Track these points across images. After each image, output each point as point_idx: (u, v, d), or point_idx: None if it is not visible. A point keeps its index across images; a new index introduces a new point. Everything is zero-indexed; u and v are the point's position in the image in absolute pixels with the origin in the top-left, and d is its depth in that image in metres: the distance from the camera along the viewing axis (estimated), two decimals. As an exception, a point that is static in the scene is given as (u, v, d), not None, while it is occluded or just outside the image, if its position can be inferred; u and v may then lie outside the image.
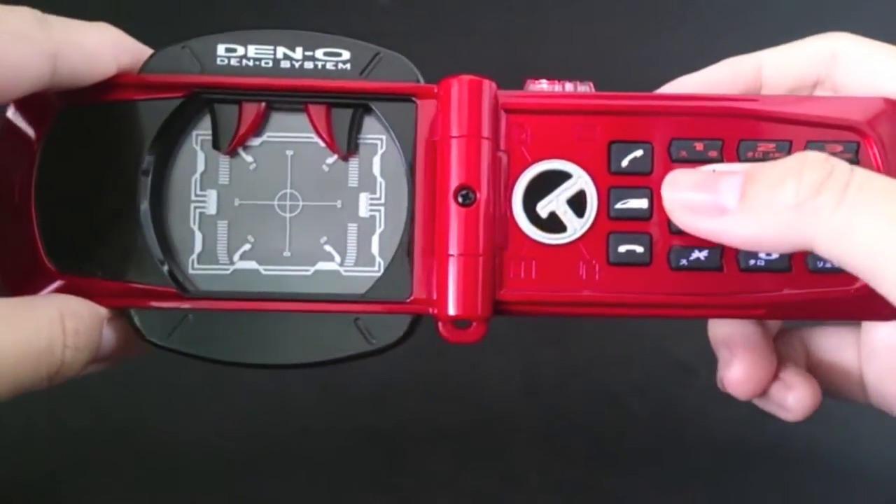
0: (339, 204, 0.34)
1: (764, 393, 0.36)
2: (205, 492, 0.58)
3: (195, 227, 0.34)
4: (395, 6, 0.66)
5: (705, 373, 0.59)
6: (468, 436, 0.60)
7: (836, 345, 0.38)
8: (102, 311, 0.32)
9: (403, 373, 0.60)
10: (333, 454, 0.60)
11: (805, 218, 0.28)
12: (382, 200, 0.34)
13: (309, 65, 0.34)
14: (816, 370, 0.37)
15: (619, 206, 0.34)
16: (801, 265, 0.33)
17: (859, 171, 0.28)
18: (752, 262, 0.33)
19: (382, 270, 0.34)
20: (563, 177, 0.34)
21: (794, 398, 0.36)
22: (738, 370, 0.36)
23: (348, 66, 0.34)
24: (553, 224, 0.34)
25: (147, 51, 0.34)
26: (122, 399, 0.58)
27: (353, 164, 0.34)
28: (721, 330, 0.37)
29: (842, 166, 0.29)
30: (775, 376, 0.36)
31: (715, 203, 0.30)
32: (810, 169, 0.29)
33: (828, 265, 0.33)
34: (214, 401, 0.59)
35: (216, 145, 0.34)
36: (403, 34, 0.64)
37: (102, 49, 0.32)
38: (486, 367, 0.61)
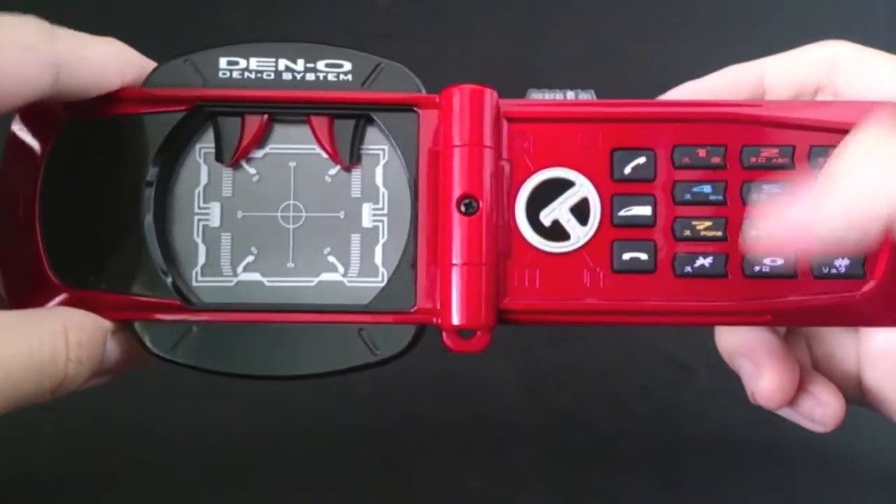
0: (342, 215, 0.34)
1: (793, 403, 0.36)
2: (205, 492, 0.59)
3: (199, 240, 0.34)
4: (395, 6, 0.66)
5: (705, 373, 0.60)
6: (468, 436, 0.61)
7: (835, 345, 0.38)
8: (106, 325, 0.32)
9: (403, 373, 0.60)
10: (333, 454, 0.60)
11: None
12: (385, 211, 0.34)
13: (311, 76, 0.33)
14: (816, 368, 0.38)
15: (622, 213, 0.34)
16: (806, 271, 0.33)
17: None
18: (756, 268, 0.33)
19: (386, 281, 0.34)
20: (565, 185, 0.34)
21: (825, 413, 0.36)
22: (769, 381, 0.35)
23: (350, 77, 0.34)
24: (556, 232, 0.34)
25: (152, 64, 0.34)
26: (121, 399, 0.58)
27: (356, 174, 0.34)
28: (737, 341, 0.37)
29: None
30: (805, 389, 0.36)
31: (806, 202, 0.28)
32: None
33: (833, 270, 0.33)
34: (214, 400, 0.59)
35: (219, 158, 0.34)
36: (403, 34, 0.64)
37: (108, 63, 0.32)
38: (486, 368, 0.61)
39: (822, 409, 0.36)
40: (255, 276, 0.34)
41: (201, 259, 0.34)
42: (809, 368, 0.37)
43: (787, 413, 0.37)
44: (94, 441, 0.59)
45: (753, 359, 0.36)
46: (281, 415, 0.60)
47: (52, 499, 0.58)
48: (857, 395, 0.37)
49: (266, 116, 0.34)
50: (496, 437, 0.61)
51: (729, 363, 0.37)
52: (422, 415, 0.61)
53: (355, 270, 0.34)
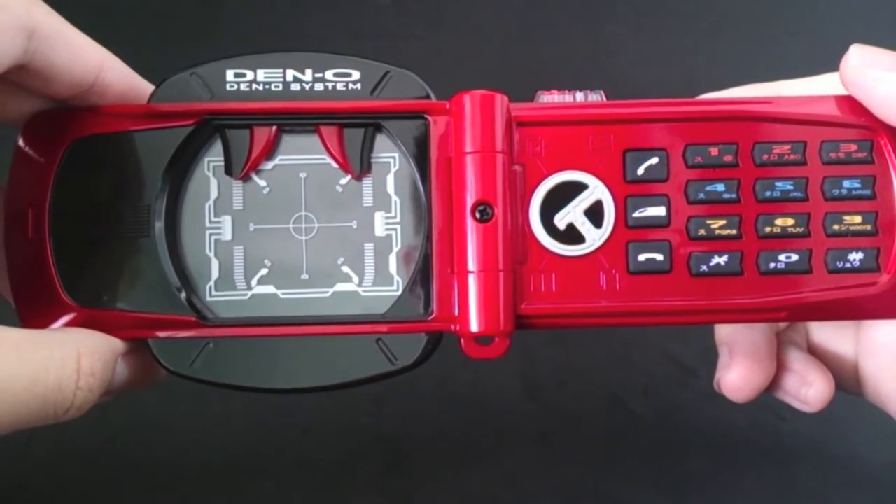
0: (354, 224, 0.34)
1: (779, 382, 0.37)
2: (205, 492, 0.58)
3: (211, 254, 0.34)
4: (395, 6, 0.65)
5: (705, 374, 0.60)
6: (468, 436, 0.60)
7: (834, 334, 0.38)
8: (120, 347, 0.31)
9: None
10: (334, 455, 0.60)
11: None
12: (398, 219, 0.34)
13: (319, 86, 0.33)
14: (813, 353, 0.38)
15: (636, 214, 0.34)
16: (820, 266, 0.34)
17: None
18: (771, 265, 0.33)
19: (401, 289, 0.34)
20: (579, 188, 0.34)
21: (813, 393, 0.36)
22: (735, 375, 0.36)
23: (359, 86, 0.33)
24: (571, 235, 0.34)
25: (144, 83, 0.33)
26: (121, 398, 0.57)
27: (367, 183, 0.34)
28: (725, 329, 0.37)
29: None
30: (790, 368, 0.37)
31: None
32: None
33: (847, 265, 0.33)
34: (215, 401, 0.59)
35: (228, 171, 0.34)
36: (403, 34, 0.64)
37: (88, 49, 0.31)
38: (486, 368, 0.61)
39: (806, 389, 0.37)
40: (269, 289, 0.34)
41: (214, 273, 0.34)
42: (798, 349, 0.38)
43: (775, 392, 0.37)
44: (94, 440, 0.59)
45: (731, 350, 0.37)
46: (281, 415, 0.60)
47: (52, 499, 0.58)
48: (853, 385, 0.38)
49: (275, 128, 0.34)
50: (496, 438, 0.61)
51: (718, 348, 0.38)
52: (422, 415, 0.61)
53: (370, 280, 0.34)
